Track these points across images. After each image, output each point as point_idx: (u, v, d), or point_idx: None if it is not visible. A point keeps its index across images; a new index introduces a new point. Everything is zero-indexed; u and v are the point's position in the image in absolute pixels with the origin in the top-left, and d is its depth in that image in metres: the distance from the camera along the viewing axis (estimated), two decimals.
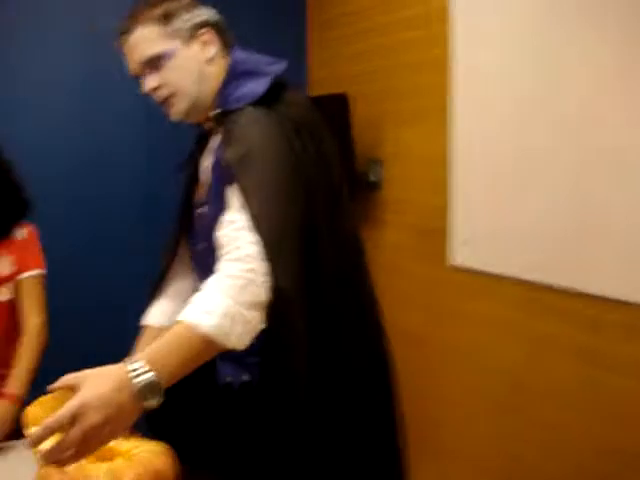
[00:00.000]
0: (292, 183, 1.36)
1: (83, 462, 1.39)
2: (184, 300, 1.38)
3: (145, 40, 1.47)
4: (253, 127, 1.40)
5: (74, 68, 3.26)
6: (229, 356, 1.36)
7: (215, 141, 1.52)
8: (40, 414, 1.20)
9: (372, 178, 3.15)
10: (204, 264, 1.48)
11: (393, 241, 3.13)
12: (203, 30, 1.50)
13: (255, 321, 1.24)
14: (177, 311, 1.32)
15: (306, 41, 3.63)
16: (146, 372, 1.12)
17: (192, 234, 1.63)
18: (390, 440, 1.54)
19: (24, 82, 3.18)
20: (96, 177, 3.29)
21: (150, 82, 1.50)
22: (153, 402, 1.14)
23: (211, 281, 1.26)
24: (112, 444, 1.48)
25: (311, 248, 1.38)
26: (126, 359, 1.15)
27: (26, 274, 2.08)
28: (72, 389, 1.11)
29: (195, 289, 1.33)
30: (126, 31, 1.49)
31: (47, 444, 1.09)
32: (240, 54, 1.53)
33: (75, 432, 1.07)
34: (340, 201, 1.49)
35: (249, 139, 1.38)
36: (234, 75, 1.49)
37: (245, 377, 1.51)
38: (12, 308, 2.08)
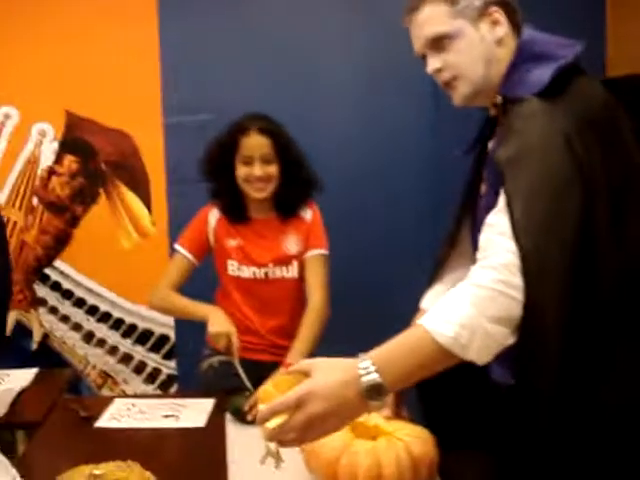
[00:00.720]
0: (566, 190, 1.24)
1: (350, 436, 1.47)
2: None
3: (431, 19, 1.43)
4: (531, 123, 1.29)
5: (359, 50, 3.33)
6: (502, 356, 1.30)
7: (499, 130, 1.45)
8: (272, 393, 1.27)
9: None
10: None
11: None
12: (493, 9, 1.41)
13: (499, 336, 1.19)
14: None
15: (605, 16, 3.39)
16: (374, 372, 1.14)
17: (475, 222, 1.57)
18: None
19: (310, 68, 3.32)
20: (382, 160, 3.36)
21: (434, 63, 1.45)
22: (379, 403, 1.15)
23: (459, 287, 1.23)
24: (378, 423, 1.55)
25: (587, 258, 1.25)
26: (361, 354, 1.17)
27: (311, 253, 2.23)
28: (305, 374, 1.17)
29: None
30: (413, 9, 1.45)
31: (275, 422, 1.16)
32: (530, 35, 1.42)
33: (298, 417, 1.13)
34: (633, 203, 1.33)
35: (524, 137, 1.29)
36: (521, 59, 1.39)
37: (512, 381, 1.43)
38: (298, 286, 2.24)
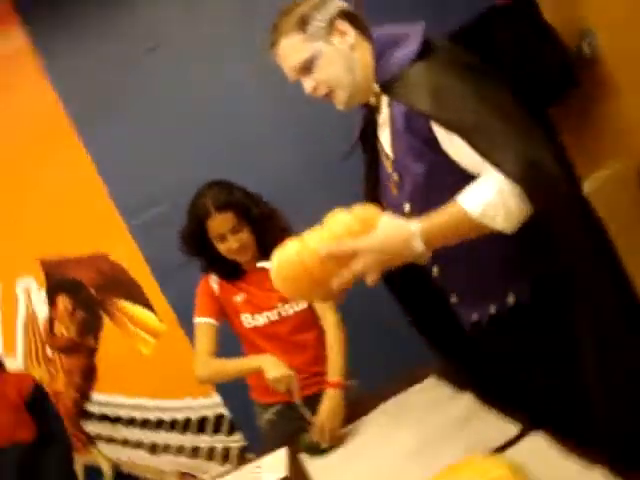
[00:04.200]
0: (487, 86, 1.45)
1: None
2: None
3: (290, 50, 1.61)
4: (425, 74, 1.48)
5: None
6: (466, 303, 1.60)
7: (384, 115, 1.62)
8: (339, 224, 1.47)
9: (586, 50, 2.97)
10: None
11: (606, 115, 2.93)
12: (337, 22, 1.59)
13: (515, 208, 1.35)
14: None
15: None
16: (421, 244, 1.40)
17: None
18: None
19: (232, 132, 3.46)
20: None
21: (308, 84, 1.63)
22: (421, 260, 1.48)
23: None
24: None
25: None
26: (412, 221, 1.42)
27: None
28: (369, 222, 1.44)
29: None
30: (273, 44, 1.64)
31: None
32: (379, 30, 1.62)
33: (356, 265, 1.40)
34: None
35: (427, 83, 1.46)
36: (382, 50, 1.59)
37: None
38: (312, 314, 2.34)
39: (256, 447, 3.40)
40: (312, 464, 1.98)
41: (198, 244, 2.30)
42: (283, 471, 2.03)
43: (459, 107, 1.41)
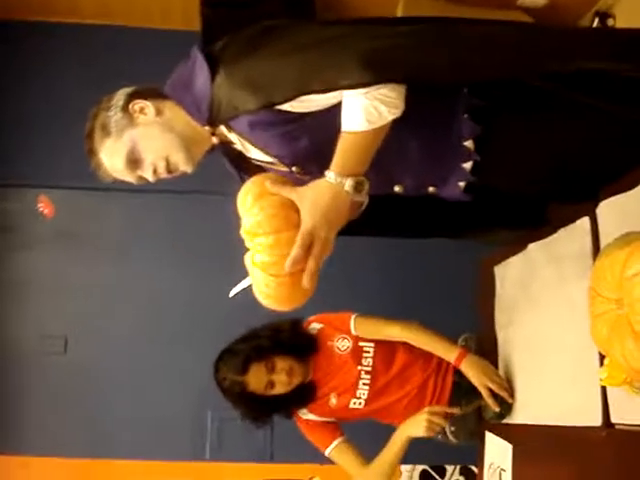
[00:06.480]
0: (281, 38, 1.49)
1: None
2: None
3: (112, 156, 1.60)
4: (229, 81, 1.48)
5: None
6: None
7: (236, 141, 1.62)
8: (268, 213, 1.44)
9: None
10: None
11: None
12: (130, 105, 1.59)
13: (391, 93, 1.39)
14: None
15: None
16: (346, 179, 1.40)
17: None
18: None
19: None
20: None
21: (146, 172, 1.62)
22: (364, 195, 1.46)
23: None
24: None
25: None
26: (324, 176, 1.41)
27: (352, 329, 2.30)
28: (292, 204, 1.41)
29: None
30: (98, 165, 1.63)
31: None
32: (169, 82, 1.61)
33: (317, 249, 1.38)
34: None
35: (237, 85, 1.47)
36: (183, 95, 1.58)
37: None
38: (387, 344, 2.30)
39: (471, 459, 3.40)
40: (514, 418, 1.98)
41: (263, 408, 2.25)
42: (508, 446, 2.01)
43: (278, 75, 1.44)
